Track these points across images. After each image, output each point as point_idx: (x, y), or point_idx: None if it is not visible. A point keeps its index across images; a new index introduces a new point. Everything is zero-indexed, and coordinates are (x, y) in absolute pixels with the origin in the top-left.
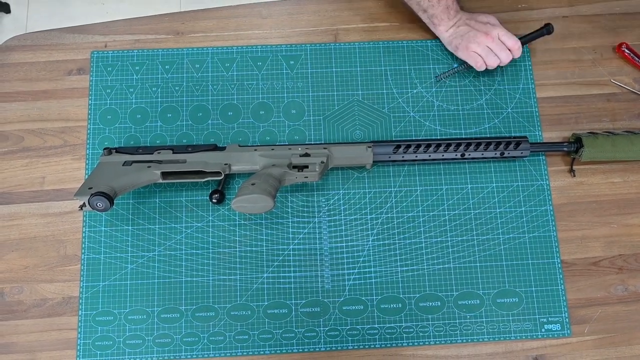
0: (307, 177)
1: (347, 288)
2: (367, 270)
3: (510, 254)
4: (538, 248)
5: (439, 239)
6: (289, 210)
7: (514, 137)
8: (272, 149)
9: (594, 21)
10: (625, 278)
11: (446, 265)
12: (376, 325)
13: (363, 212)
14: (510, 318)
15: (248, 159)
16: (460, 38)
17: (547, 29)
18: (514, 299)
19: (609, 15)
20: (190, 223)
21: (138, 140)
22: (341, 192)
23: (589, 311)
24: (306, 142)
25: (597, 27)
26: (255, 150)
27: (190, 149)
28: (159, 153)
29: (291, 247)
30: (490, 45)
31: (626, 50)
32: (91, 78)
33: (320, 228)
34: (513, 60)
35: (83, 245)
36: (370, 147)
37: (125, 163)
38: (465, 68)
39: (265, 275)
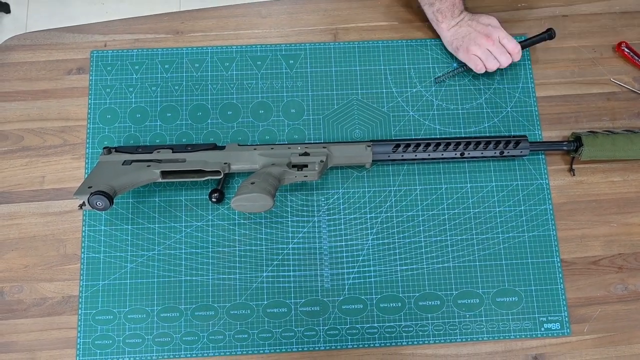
0: (306, 176)
1: (346, 287)
2: (366, 269)
3: (510, 253)
4: (538, 247)
5: (438, 238)
6: (289, 209)
7: (514, 136)
8: (272, 148)
9: (593, 20)
10: (625, 277)
11: (446, 265)
12: (375, 325)
13: (362, 211)
14: (510, 317)
15: (247, 158)
16: (461, 39)
17: (548, 34)
18: (513, 298)
19: (609, 14)
20: (190, 222)
21: (138, 139)
22: (341, 191)
23: (588, 310)
24: (305, 141)
25: (596, 26)
26: (255, 149)
27: (189, 148)
28: (158, 152)
29: (291, 246)
30: (490, 49)
31: (626, 49)
32: (91, 77)
33: (319, 227)
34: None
35: (83, 245)
36: (369, 146)
37: (125, 162)
38: (465, 70)
39: (264, 274)
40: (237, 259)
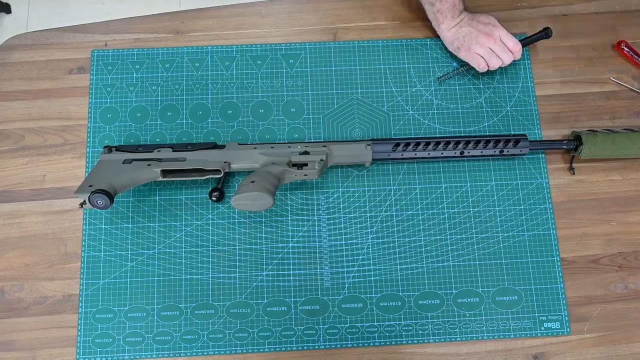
0: (306, 175)
1: (346, 286)
2: (366, 268)
3: (510, 252)
4: (537, 246)
5: (438, 237)
6: (289, 208)
7: (514, 135)
8: (272, 147)
9: (593, 19)
10: (625, 276)
11: (445, 263)
12: (375, 323)
13: (362, 210)
14: (510, 316)
15: (248, 157)
16: (462, 39)
17: (545, 33)
18: (513, 297)
19: (608, 13)
20: (190, 221)
21: (138, 138)
22: (340, 190)
23: (588, 309)
24: (305, 140)
25: (596, 25)
26: (255, 148)
27: (190, 147)
28: (158, 151)
29: (291, 245)
30: (492, 47)
31: (625, 48)
32: (91, 77)
33: (319, 226)
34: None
35: (83, 243)
36: (369, 145)
37: (126, 161)
38: (467, 69)
39: (264, 273)
40: (237, 257)
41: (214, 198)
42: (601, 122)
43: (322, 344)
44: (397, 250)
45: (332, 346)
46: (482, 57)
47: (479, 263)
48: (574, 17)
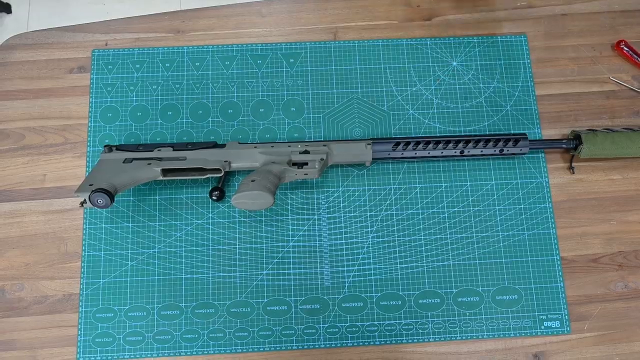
0: (306, 174)
1: (346, 285)
2: (366, 267)
3: (510, 251)
4: (537, 245)
5: (438, 236)
6: (289, 207)
7: (513, 134)
8: (272, 146)
9: (592, 19)
10: (625, 275)
11: (445, 263)
12: (376, 322)
13: (362, 209)
14: (510, 315)
15: (248, 156)
16: None
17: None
18: (513, 296)
19: (608, 12)
20: (190, 220)
21: (138, 137)
22: (341, 189)
23: (588, 308)
24: (306, 140)
25: (596, 24)
26: (255, 147)
27: (190, 147)
28: (159, 150)
29: (291, 244)
30: None
31: (625, 48)
32: (92, 76)
33: (319, 225)
34: (512, 59)
35: (83, 243)
36: (369, 144)
37: (126, 160)
38: None
39: (264, 272)
40: (238, 256)
41: (214, 197)
42: (601, 122)
43: (322, 343)
44: (397, 249)
45: (333, 345)
46: None
47: (479, 262)
48: (574, 16)
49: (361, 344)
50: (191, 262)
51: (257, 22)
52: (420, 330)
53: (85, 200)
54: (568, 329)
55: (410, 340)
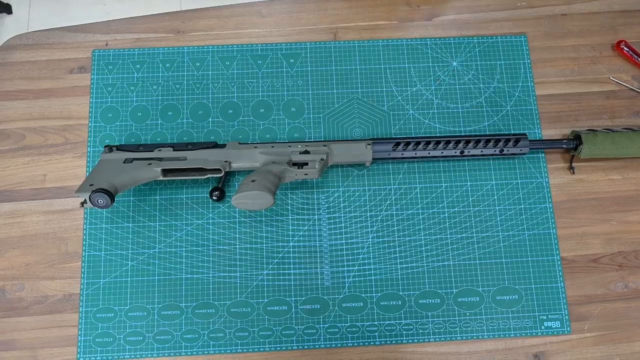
0: (307, 174)
1: (346, 285)
2: (366, 267)
3: (510, 251)
4: (537, 245)
5: (438, 237)
6: (289, 207)
7: (514, 135)
8: (272, 147)
9: (592, 19)
10: (625, 275)
11: (446, 263)
12: (376, 323)
13: (363, 209)
14: (510, 315)
15: (248, 156)
16: None
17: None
18: (513, 297)
19: (608, 13)
20: (191, 220)
21: (139, 138)
22: (341, 189)
23: (588, 308)
24: (306, 140)
25: (596, 24)
26: (255, 147)
27: (190, 147)
28: (159, 150)
29: (291, 244)
30: None
31: (625, 48)
32: (92, 76)
33: (320, 225)
34: (512, 59)
35: (84, 243)
36: (369, 144)
37: (126, 160)
38: None
39: (265, 272)
40: (238, 257)
41: (214, 197)
42: (601, 122)
43: (322, 343)
44: (397, 249)
45: (333, 345)
46: None
47: (479, 262)
48: (574, 16)
49: (361, 344)
50: (191, 262)
51: (258, 23)
52: (421, 331)
53: (85, 200)
54: (568, 329)
55: (410, 341)
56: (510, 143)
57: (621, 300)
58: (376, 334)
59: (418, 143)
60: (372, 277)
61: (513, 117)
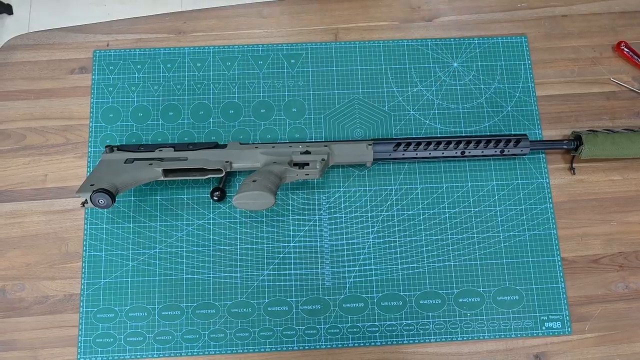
0: (307, 175)
1: (347, 286)
2: (367, 267)
3: (511, 251)
4: (538, 246)
5: (439, 237)
6: (290, 207)
7: (514, 135)
8: (273, 147)
9: (593, 20)
10: (626, 275)
11: (446, 263)
12: (377, 323)
13: (363, 209)
14: (511, 316)
15: (249, 156)
16: None
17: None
18: (514, 297)
19: (608, 13)
20: (191, 220)
21: (140, 138)
22: (342, 189)
23: (589, 309)
24: (307, 140)
25: (596, 25)
26: (256, 147)
27: (191, 147)
28: (160, 151)
29: (292, 244)
30: None
31: (625, 49)
32: (93, 77)
33: (320, 226)
34: (513, 60)
35: (84, 243)
36: (370, 144)
37: (127, 160)
38: None
39: (265, 272)
40: (238, 257)
41: (215, 197)
42: (601, 122)
43: (323, 343)
44: (398, 250)
45: (334, 346)
46: None
47: (479, 263)
48: (574, 17)
49: (362, 344)
50: (192, 263)
51: (258, 23)
52: (422, 331)
53: (86, 200)
54: (569, 329)
55: (411, 341)
56: (511, 144)
57: (622, 301)
58: (377, 334)
59: (419, 143)
60: (373, 278)
61: (514, 118)
